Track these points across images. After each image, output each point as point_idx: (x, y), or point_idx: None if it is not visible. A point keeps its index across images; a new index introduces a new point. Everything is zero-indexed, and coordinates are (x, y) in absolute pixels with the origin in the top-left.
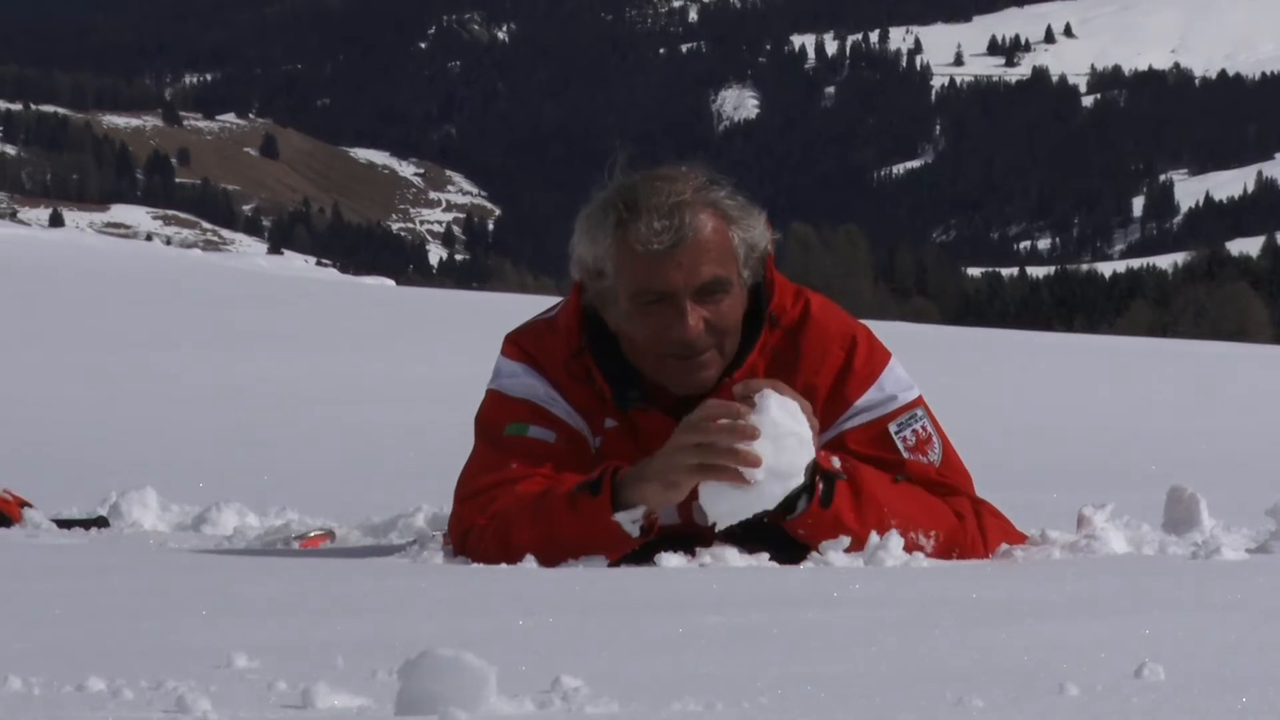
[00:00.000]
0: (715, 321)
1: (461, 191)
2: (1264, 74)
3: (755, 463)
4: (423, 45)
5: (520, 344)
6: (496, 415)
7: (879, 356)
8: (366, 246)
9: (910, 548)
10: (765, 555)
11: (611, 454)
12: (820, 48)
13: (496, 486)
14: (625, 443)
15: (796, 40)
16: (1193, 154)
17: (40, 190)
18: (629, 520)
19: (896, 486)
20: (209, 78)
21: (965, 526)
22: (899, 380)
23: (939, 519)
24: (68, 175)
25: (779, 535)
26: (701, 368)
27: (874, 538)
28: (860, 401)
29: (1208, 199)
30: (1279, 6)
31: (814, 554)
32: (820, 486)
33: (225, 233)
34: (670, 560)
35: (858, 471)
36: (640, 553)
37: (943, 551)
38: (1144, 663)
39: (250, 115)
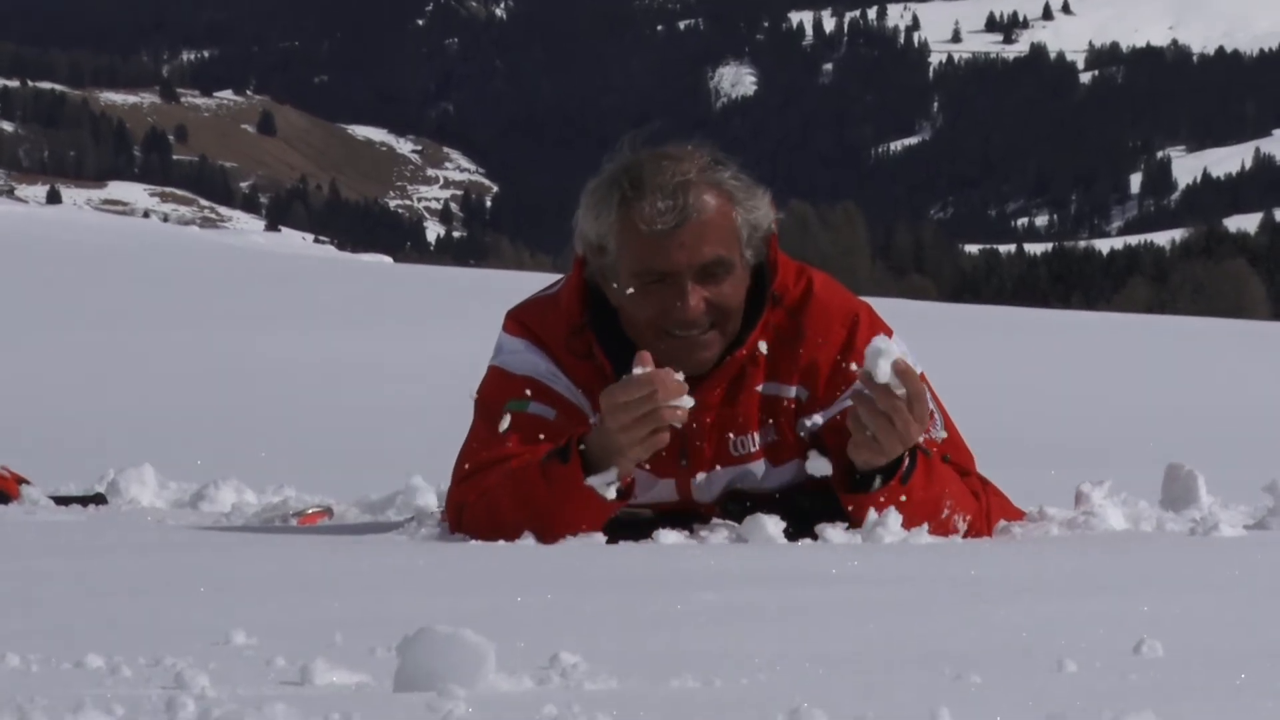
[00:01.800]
0: (717, 301)
1: (459, 168)
2: (1261, 50)
3: (679, 417)
4: (420, 22)
5: (522, 320)
6: (497, 392)
7: (881, 333)
8: (364, 223)
9: (947, 529)
10: (783, 524)
11: None
12: (818, 24)
13: (492, 464)
14: None
15: (794, 17)
16: (1190, 131)
17: (38, 167)
18: (603, 484)
19: (947, 467)
20: (206, 55)
21: (980, 506)
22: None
23: (969, 501)
24: (65, 152)
25: (782, 506)
26: (702, 348)
27: (871, 514)
28: None
29: (1205, 176)
30: None
31: (819, 526)
32: (906, 462)
33: (223, 210)
34: (668, 537)
35: (929, 446)
36: (638, 529)
37: (971, 533)
38: (1143, 639)
39: (248, 92)
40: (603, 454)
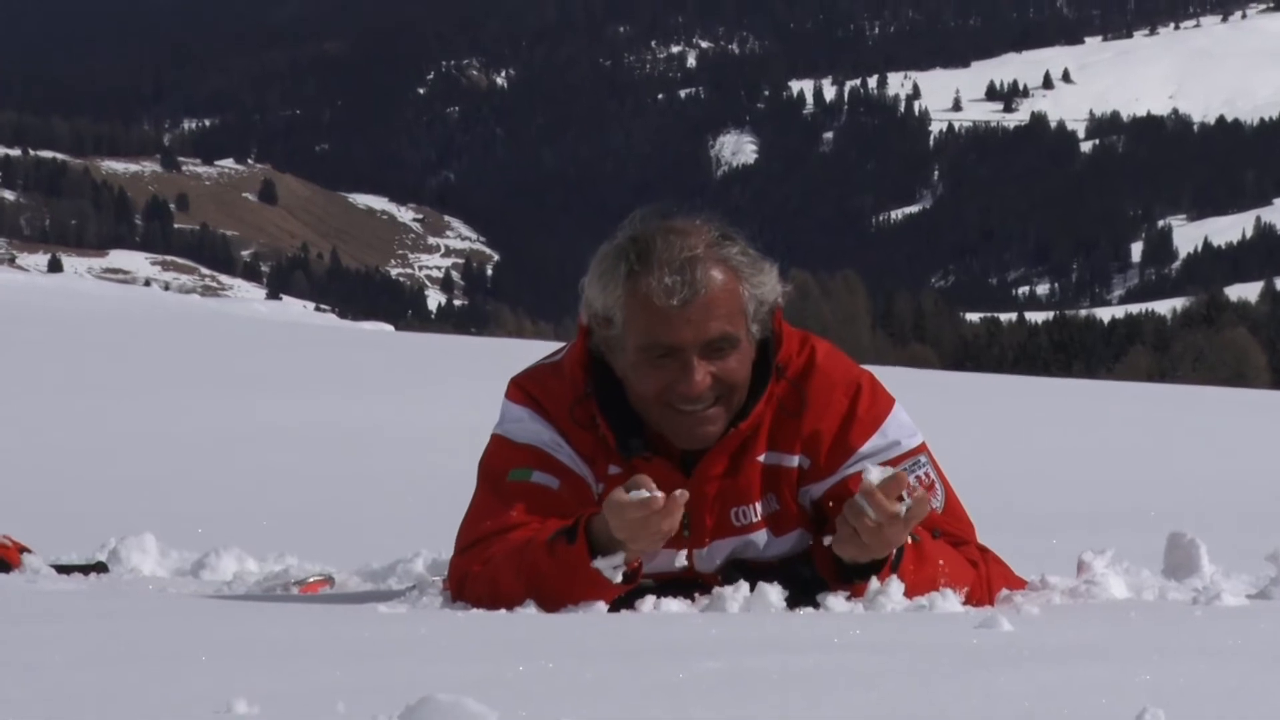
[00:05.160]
0: (721, 377)
1: (460, 237)
2: (1262, 120)
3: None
4: (421, 91)
5: (525, 388)
6: (500, 461)
7: (883, 403)
8: (365, 292)
9: None
10: (781, 590)
11: None
12: (819, 93)
13: (495, 535)
14: None
15: (795, 86)
16: (1191, 199)
17: (39, 236)
18: (609, 567)
19: (938, 543)
20: (207, 123)
21: (979, 575)
22: (902, 426)
23: (966, 573)
24: (66, 221)
25: (784, 575)
26: (705, 422)
27: (874, 582)
28: (864, 447)
29: (1206, 244)
30: (1277, 53)
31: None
32: (892, 554)
33: (224, 278)
34: (670, 605)
35: (918, 531)
36: (640, 598)
37: (971, 602)
38: (1145, 708)
39: (249, 161)
40: (610, 539)
